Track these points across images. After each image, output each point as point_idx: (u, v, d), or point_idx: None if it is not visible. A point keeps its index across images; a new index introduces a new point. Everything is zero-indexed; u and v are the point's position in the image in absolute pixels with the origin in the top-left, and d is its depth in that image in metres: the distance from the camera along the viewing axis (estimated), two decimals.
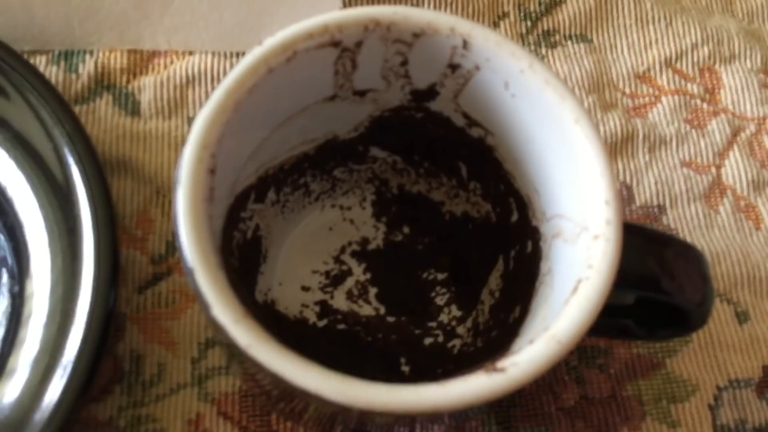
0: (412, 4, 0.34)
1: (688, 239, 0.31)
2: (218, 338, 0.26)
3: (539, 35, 0.34)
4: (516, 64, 0.21)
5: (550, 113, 0.21)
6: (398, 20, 0.22)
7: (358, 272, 0.28)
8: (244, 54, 0.32)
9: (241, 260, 0.25)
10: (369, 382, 0.18)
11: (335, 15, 0.22)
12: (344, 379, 0.18)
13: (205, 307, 0.18)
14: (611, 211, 0.19)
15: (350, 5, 0.33)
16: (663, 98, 0.33)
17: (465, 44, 0.22)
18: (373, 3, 0.34)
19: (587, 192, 0.20)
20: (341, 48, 0.22)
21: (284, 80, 0.21)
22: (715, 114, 0.33)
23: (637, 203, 0.31)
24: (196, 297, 0.19)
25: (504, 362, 0.18)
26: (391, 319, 0.27)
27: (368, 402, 0.17)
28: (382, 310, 0.27)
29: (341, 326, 0.27)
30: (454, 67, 0.22)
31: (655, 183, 0.32)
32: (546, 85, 0.21)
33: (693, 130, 0.33)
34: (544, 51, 0.34)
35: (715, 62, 0.34)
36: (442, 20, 0.22)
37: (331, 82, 0.23)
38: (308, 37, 0.21)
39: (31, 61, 0.31)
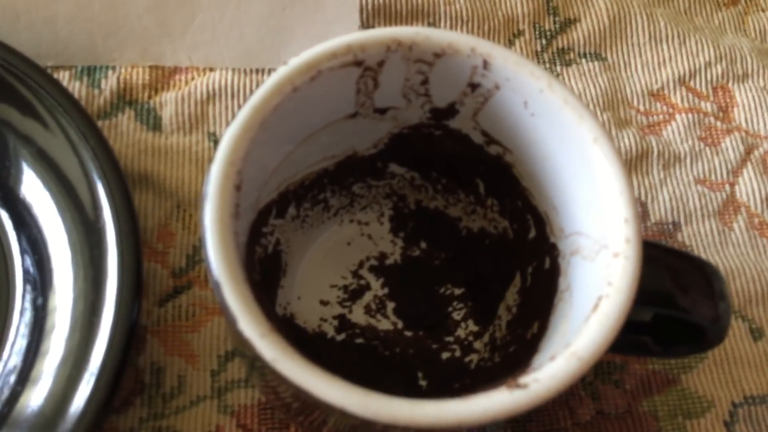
0: (428, 23, 0.35)
1: (703, 256, 0.31)
2: (241, 351, 0.26)
3: (554, 53, 0.35)
4: (535, 84, 0.22)
5: (568, 132, 0.22)
6: (420, 41, 0.22)
7: (376, 287, 0.28)
8: (263, 71, 0.33)
9: (263, 274, 0.25)
10: (392, 397, 0.18)
11: (358, 35, 0.22)
12: (368, 393, 0.18)
13: (231, 321, 0.19)
14: (631, 230, 0.20)
15: (367, 23, 0.34)
16: (677, 116, 0.34)
17: (485, 64, 0.22)
18: (389, 21, 0.35)
19: (606, 210, 0.20)
20: (364, 67, 0.22)
21: (308, 98, 0.22)
22: (729, 132, 0.34)
23: (652, 220, 0.31)
24: (222, 311, 0.19)
25: (526, 378, 0.18)
26: (408, 333, 0.27)
27: (392, 416, 0.18)
28: (400, 325, 0.27)
29: (359, 340, 0.27)
30: (474, 86, 0.23)
31: (670, 200, 0.32)
32: (565, 105, 0.21)
33: (707, 148, 0.33)
34: (558, 69, 0.34)
35: (728, 80, 0.35)
36: (463, 41, 0.22)
37: (353, 100, 0.24)
38: (332, 57, 0.22)
39: (55, 76, 0.31)
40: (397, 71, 0.23)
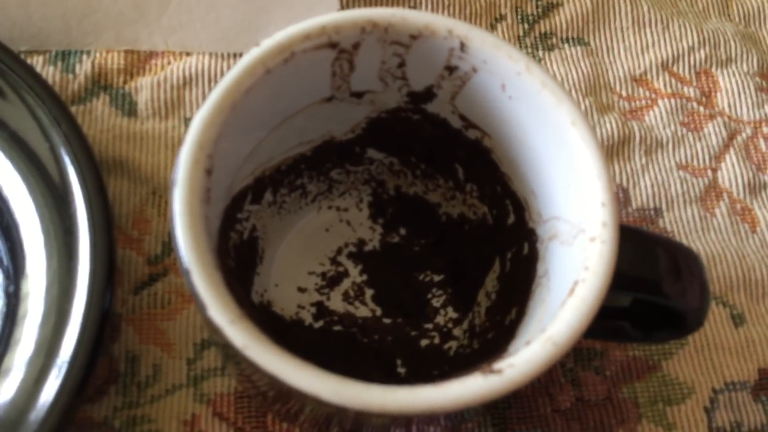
0: (409, 6, 0.34)
1: (684, 242, 0.31)
2: (214, 339, 0.26)
3: (536, 38, 0.34)
4: (513, 66, 0.21)
5: (546, 115, 0.21)
6: (396, 22, 0.22)
7: (355, 274, 0.28)
8: (241, 55, 0.32)
9: (238, 261, 0.25)
10: (366, 384, 0.18)
11: (333, 16, 0.22)
12: (341, 380, 0.18)
13: (201, 308, 0.18)
14: (607, 213, 0.20)
15: (348, 6, 0.33)
16: (659, 101, 0.33)
17: (462, 46, 0.22)
18: (370, 4, 0.34)
19: (584, 194, 0.20)
20: (338, 49, 0.22)
21: (282, 81, 0.21)
22: (712, 117, 0.33)
23: (634, 206, 0.31)
24: (192, 297, 0.19)
25: (500, 363, 0.18)
26: (387, 320, 0.27)
27: (365, 403, 0.17)
28: (379, 312, 0.27)
29: (337, 328, 0.27)
30: (451, 69, 0.22)
31: (652, 186, 0.32)
32: (543, 88, 0.21)
33: (689, 133, 0.33)
34: (541, 54, 0.34)
35: (711, 65, 0.34)
36: (440, 22, 0.22)
37: (329, 84, 0.23)
38: (306, 39, 0.21)
39: (28, 61, 0.31)
40: (373, 54, 0.22)
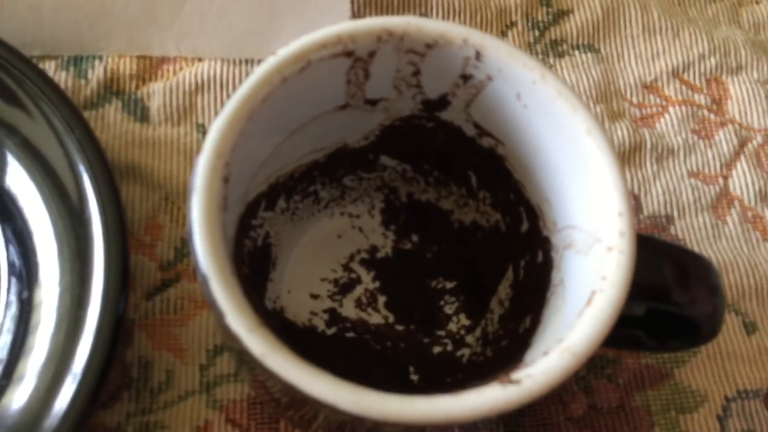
0: (420, 13, 0.34)
1: (696, 250, 0.31)
2: (229, 345, 0.26)
3: (547, 45, 0.34)
4: (528, 75, 0.21)
5: (562, 124, 0.21)
6: (411, 31, 0.22)
7: (367, 280, 0.28)
8: (253, 61, 0.32)
9: (252, 268, 0.25)
10: (383, 393, 0.18)
11: (348, 25, 0.22)
12: (358, 389, 0.17)
13: (219, 316, 0.18)
14: (625, 223, 0.20)
15: (359, 13, 0.34)
16: (670, 108, 0.33)
17: (478, 55, 0.22)
18: (381, 11, 0.34)
19: (600, 203, 0.20)
20: (354, 58, 0.22)
21: (297, 89, 0.22)
22: (722, 125, 0.33)
23: (645, 213, 0.31)
24: (209, 305, 0.19)
25: (518, 374, 0.18)
26: (400, 327, 0.27)
27: (382, 413, 0.17)
28: (391, 319, 0.27)
29: (350, 334, 0.27)
30: (466, 77, 0.22)
31: (663, 193, 0.32)
32: (558, 96, 0.21)
33: (700, 141, 0.33)
34: (551, 61, 0.34)
35: (722, 73, 0.34)
36: (455, 31, 0.22)
37: (344, 91, 0.23)
38: (322, 47, 0.21)
39: (41, 66, 0.31)
40: (388, 62, 0.22)
